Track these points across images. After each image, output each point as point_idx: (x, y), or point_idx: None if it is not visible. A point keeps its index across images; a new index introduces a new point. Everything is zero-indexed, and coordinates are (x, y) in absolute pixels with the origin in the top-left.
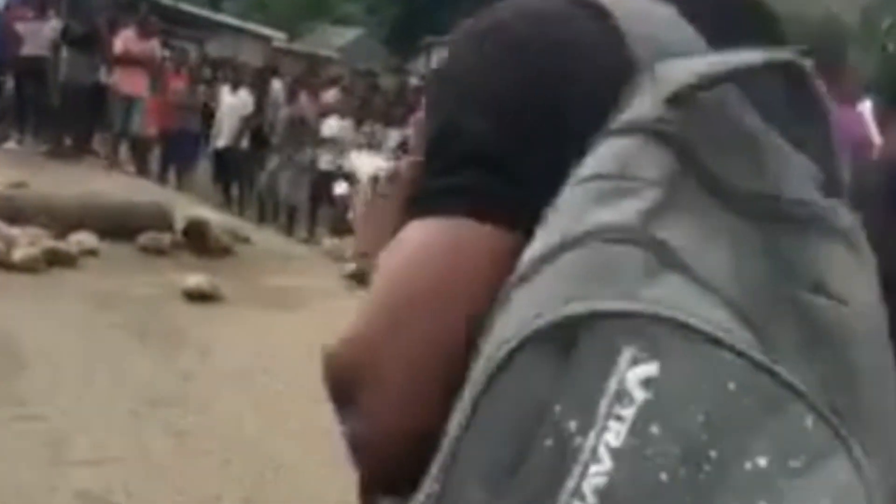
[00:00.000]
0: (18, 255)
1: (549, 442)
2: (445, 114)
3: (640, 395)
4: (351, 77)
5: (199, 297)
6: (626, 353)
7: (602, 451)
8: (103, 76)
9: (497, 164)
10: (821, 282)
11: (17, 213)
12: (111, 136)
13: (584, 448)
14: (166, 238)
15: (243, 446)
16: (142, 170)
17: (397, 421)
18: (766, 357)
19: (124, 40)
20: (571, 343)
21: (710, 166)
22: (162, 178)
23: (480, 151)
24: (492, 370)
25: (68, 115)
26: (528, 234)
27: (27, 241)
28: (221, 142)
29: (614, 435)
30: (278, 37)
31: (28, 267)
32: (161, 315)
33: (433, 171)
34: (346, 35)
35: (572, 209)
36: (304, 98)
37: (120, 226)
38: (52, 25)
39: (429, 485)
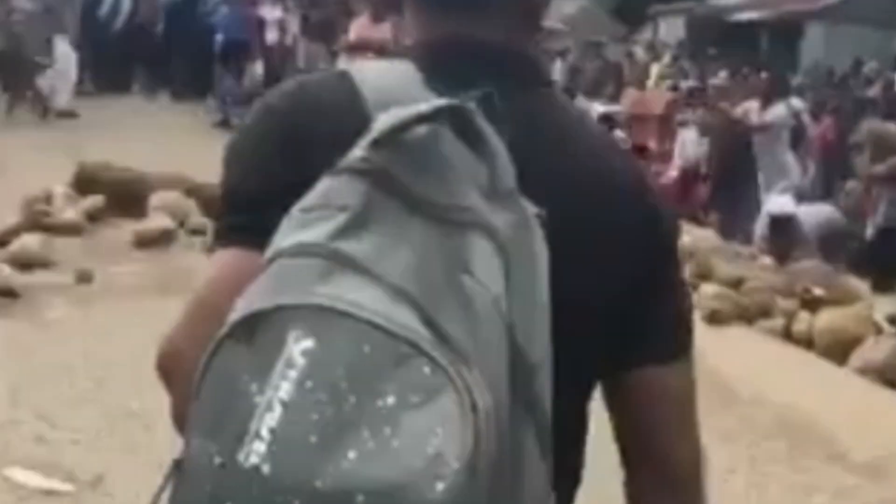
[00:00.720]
0: None
1: (240, 401)
2: (230, 171)
3: (300, 361)
4: (581, 49)
5: None
6: (293, 334)
7: (275, 404)
8: (341, 63)
9: (264, 207)
10: (468, 267)
11: None
12: None
13: (262, 403)
14: None
15: None
16: None
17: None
18: (400, 328)
19: (358, 28)
20: (257, 330)
21: (409, 188)
22: None
23: (252, 199)
24: (209, 353)
25: None
26: None
27: None
28: None
29: (284, 392)
30: None
31: None
32: None
33: (226, 212)
34: (571, 4)
35: (284, 232)
36: None
37: None
38: (292, 15)
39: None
